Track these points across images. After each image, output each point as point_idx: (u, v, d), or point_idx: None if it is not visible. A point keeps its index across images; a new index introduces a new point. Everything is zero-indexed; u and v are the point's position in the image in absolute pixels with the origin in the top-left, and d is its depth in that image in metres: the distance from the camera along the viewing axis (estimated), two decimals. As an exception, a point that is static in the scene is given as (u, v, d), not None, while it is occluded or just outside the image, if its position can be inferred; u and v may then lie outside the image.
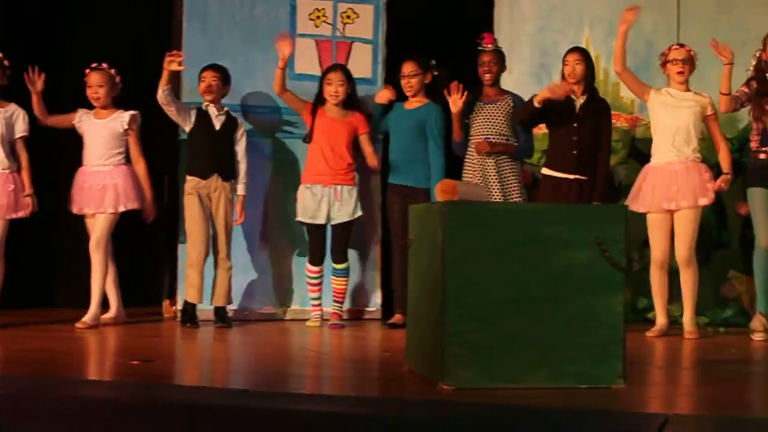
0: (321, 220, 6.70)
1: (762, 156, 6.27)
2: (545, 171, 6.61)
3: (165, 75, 6.36)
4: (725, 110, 6.26)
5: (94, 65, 6.48)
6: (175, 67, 6.37)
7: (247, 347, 5.83)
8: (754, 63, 6.34)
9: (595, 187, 6.47)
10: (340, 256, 6.74)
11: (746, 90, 6.29)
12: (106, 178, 6.38)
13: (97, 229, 6.34)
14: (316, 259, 6.73)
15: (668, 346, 5.96)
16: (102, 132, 6.42)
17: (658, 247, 6.32)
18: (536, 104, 6.36)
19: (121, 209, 6.38)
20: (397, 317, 6.64)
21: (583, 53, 6.60)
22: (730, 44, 6.21)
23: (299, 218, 6.75)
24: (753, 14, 7.00)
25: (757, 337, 6.15)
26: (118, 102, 6.54)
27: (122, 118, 6.44)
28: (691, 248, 6.28)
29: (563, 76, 6.57)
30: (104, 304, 6.49)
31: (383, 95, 6.91)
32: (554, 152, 6.60)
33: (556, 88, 6.37)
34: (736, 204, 6.65)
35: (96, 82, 6.44)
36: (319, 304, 6.73)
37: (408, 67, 6.78)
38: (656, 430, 3.21)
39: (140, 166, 6.48)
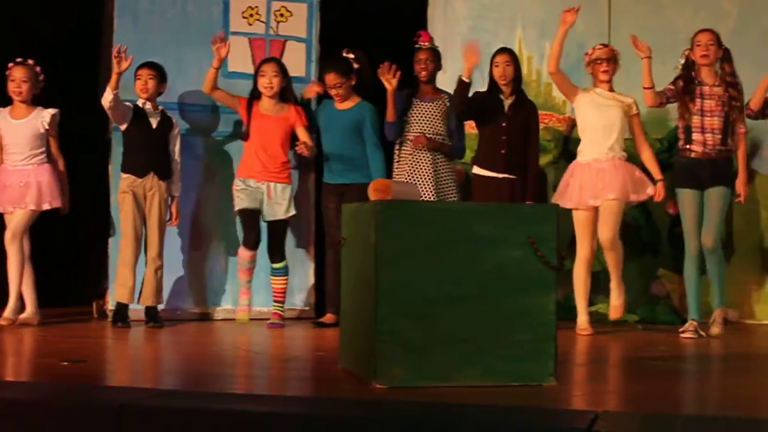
0: (254, 206, 6.63)
1: (687, 154, 6.39)
2: (475, 170, 6.66)
3: (115, 78, 6.24)
4: (651, 104, 6.36)
5: (18, 60, 6.38)
6: (125, 66, 6.26)
7: (179, 347, 5.78)
8: (682, 62, 6.44)
9: (526, 187, 6.52)
10: (277, 255, 6.69)
11: (672, 87, 6.40)
12: (29, 176, 6.33)
13: (14, 223, 6.28)
14: (250, 243, 6.63)
15: (599, 343, 6.03)
16: (24, 132, 6.35)
17: (584, 244, 6.38)
18: (465, 79, 6.38)
19: (45, 207, 6.34)
20: (328, 317, 6.62)
21: (512, 54, 6.65)
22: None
23: (236, 208, 6.69)
24: (682, 15, 7.11)
25: (688, 334, 6.25)
26: (43, 98, 6.45)
27: (42, 117, 6.38)
28: (615, 231, 6.32)
29: (491, 77, 6.61)
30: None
31: (311, 90, 6.90)
32: (483, 151, 6.64)
33: (469, 54, 6.38)
34: (666, 202, 6.74)
35: (20, 77, 6.35)
36: (248, 289, 6.65)
37: (331, 79, 6.70)
38: (586, 427, 3.24)
39: (61, 163, 6.44)
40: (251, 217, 6.65)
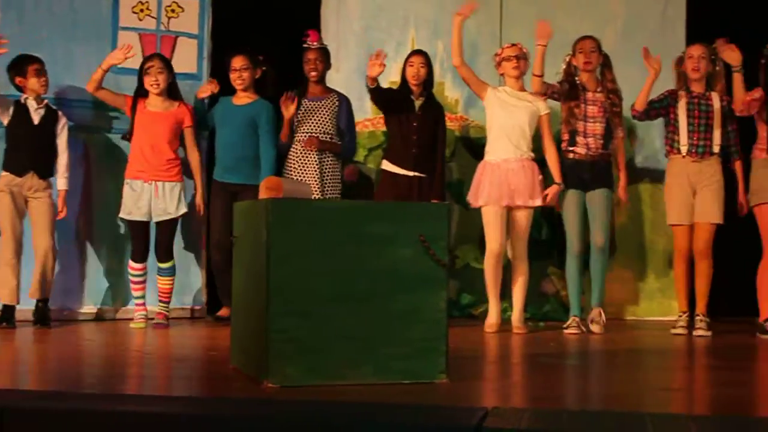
0: (142, 217, 6.55)
1: (570, 156, 6.54)
2: (386, 166, 6.71)
3: None
4: (536, 90, 6.46)
5: None
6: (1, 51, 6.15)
7: (67, 348, 5.65)
8: (564, 67, 6.58)
9: (434, 186, 6.58)
10: (164, 255, 6.62)
11: (558, 88, 6.52)
12: None
13: None
14: (139, 256, 6.58)
15: (491, 340, 6.10)
16: None
17: (493, 239, 6.43)
18: (370, 85, 6.42)
19: None
20: (224, 310, 6.58)
21: (426, 56, 6.71)
22: (550, 46, 6.40)
23: (120, 214, 6.60)
24: (571, 18, 7.23)
25: (571, 330, 6.38)
26: None
27: None
28: (526, 244, 6.46)
29: (404, 76, 6.65)
30: None
31: (206, 89, 6.85)
32: (394, 149, 6.69)
33: (374, 65, 6.38)
34: (556, 202, 6.85)
35: None
36: (143, 303, 6.58)
37: (239, 61, 6.73)
38: (476, 424, 3.27)
39: None
40: (139, 228, 6.58)
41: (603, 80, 6.57)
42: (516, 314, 6.50)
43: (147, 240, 6.60)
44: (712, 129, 6.47)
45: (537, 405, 3.84)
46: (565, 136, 6.58)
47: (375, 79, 6.40)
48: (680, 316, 6.47)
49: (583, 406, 4.00)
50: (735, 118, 6.52)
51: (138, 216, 6.54)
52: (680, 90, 6.54)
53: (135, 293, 6.60)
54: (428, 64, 6.68)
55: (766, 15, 7.16)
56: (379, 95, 6.52)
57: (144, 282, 6.58)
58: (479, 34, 7.30)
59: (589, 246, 6.54)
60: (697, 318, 6.40)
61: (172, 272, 6.65)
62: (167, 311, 6.65)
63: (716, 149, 6.48)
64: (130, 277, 6.60)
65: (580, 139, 6.49)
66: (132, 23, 6.94)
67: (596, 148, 6.49)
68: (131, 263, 6.59)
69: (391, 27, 7.51)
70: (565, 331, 6.39)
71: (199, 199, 6.74)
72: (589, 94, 6.52)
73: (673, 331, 6.40)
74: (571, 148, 6.53)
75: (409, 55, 6.71)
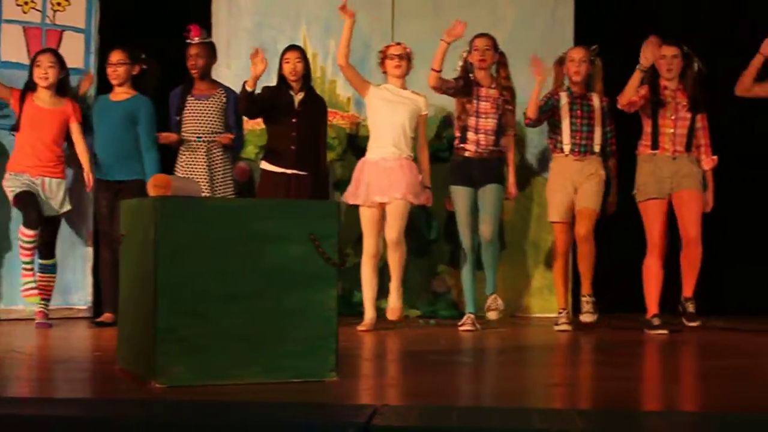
0: (31, 188, 6.37)
1: (461, 152, 6.60)
2: (264, 166, 6.65)
3: None
4: (433, 84, 6.49)
5: None
6: None
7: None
8: (461, 64, 6.64)
9: (316, 183, 6.55)
10: (47, 252, 6.48)
11: (454, 84, 6.58)
12: None
13: None
14: (33, 223, 6.33)
15: (381, 338, 6.11)
16: None
17: (369, 242, 6.45)
18: (249, 88, 6.34)
19: None
20: (106, 316, 6.46)
21: (303, 51, 6.69)
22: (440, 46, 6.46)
23: (10, 196, 6.39)
24: (462, 18, 7.29)
25: (465, 327, 6.44)
26: None
27: None
28: (400, 232, 6.41)
29: (280, 75, 6.61)
30: None
31: (85, 84, 6.73)
32: (273, 147, 6.64)
33: (257, 61, 6.32)
34: (445, 199, 6.90)
35: None
36: (32, 269, 6.39)
37: (115, 56, 6.63)
38: (365, 421, 3.27)
39: None
40: (29, 197, 6.37)
41: (498, 77, 6.65)
42: (392, 298, 6.48)
43: (39, 207, 6.38)
44: (593, 128, 6.61)
45: (425, 402, 3.86)
46: (457, 133, 6.65)
47: (256, 82, 6.32)
48: (560, 313, 6.58)
49: (472, 402, 4.04)
50: (614, 118, 6.68)
51: (27, 188, 6.36)
52: (561, 91, 6.67)
53: (24, 259, 6.37)
54: (305, 58, 6.65)
55: (652, 15, 7.34)
56: (253, 103, 6.41)
57: (34, 249, 6.38)
58: (371, 33, 7.32)
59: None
60: (583, 299, 6.52)
61: (53, 270, 6.53)
62: (47, 309, 6.49)
63: (597, 148, 6.62)
64: (21, 243, 6.37)
65: (471, 135, 6.55)
66: (16, 16, 6.76)
67: (486, 145, 6.56)
68: (24, 230, 6.33)
69: (283, 24, 7.48)
70: (460, 328, 6.44)
71: (87, 173, 6.52)
72: (482, 90, 6.59)
73: (557, 327, 6.51)
74: (461, 146, 6.60)
75: (285, 51, 6.65)
